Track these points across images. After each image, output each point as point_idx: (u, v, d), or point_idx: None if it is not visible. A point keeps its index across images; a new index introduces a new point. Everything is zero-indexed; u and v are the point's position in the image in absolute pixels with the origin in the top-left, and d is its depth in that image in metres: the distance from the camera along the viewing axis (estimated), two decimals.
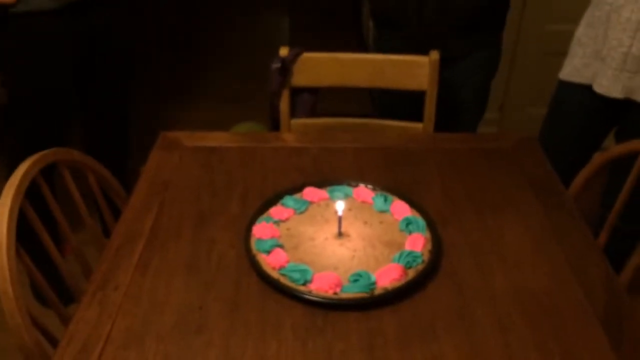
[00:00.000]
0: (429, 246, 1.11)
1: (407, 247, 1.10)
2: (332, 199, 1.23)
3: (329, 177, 1.30)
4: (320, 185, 1.27)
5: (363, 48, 3.45)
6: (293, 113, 1.69)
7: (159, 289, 1.03)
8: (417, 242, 1.10)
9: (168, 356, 0.91)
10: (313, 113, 1.70)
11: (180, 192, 1.28)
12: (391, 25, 1.74)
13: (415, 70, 1.59)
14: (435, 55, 1.57)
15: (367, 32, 3.27)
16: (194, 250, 1.12)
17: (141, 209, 1.22)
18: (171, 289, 1.03)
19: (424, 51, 1.59)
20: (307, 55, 1.63)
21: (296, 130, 1.67)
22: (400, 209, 1.19)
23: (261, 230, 1.13)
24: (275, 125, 1.71)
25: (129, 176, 1.99)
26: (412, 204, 1.21)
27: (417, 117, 1.64)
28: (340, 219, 1.13)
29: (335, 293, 1.00)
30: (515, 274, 1.08)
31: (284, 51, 1.62)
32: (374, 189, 1.25)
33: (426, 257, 1.08)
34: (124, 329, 0.95)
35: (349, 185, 1.27)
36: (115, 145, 2.06)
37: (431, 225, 1.16)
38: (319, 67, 1.64)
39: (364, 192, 1.24)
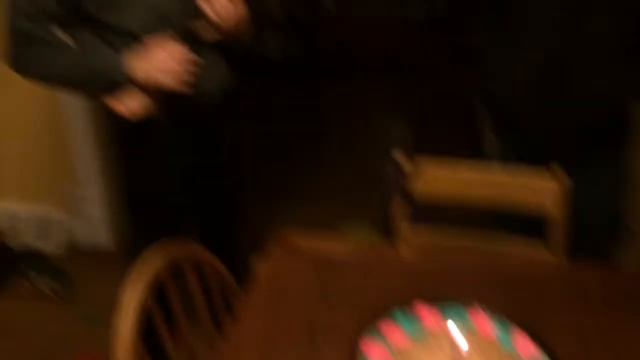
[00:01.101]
0: None
1: None
2: (445, 317, 1.15)
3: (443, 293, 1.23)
4: (429, 299, 1.19)
5: (478, 153, 3.37)
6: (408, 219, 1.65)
7: None
8: None
9: None
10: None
11: (292, 301, 1.27)
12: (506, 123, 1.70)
13: (542, 196, 1.52)
14: (565, 180, 1.50)
15: (484, 136, 3.22)
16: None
17: (255, 315, 1.22)
18: None
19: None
20: (426, 168, 1.60)
21: (409, 239, 1.62)
22: (525, 347, 1.08)
23: (372, 350, 1.07)
24: (387, 230, 1.69)
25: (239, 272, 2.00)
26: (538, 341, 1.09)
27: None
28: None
29: None
30: None
31: (399, 156, 1.60)
32: (489, 312, 1.15)
33: None
34: None
35: (462, 303, 1.18)
36: (224, 242, 2.08)
37: None
38: (437, 183, 1.61)
39: (483, 320, 1.15)
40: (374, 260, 1.41)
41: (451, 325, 1.15)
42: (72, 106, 2.28)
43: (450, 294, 1.23)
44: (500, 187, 1.57)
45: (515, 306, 1.22)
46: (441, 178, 1.62)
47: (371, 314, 1.16)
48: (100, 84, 1.39)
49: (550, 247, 1.53)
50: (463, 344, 1.04)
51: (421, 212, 1.68)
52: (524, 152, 1.68)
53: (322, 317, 1.21)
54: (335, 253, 1.43)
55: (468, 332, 1.13)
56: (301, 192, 3.31)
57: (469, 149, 3.62)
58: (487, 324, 1.14)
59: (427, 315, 1.17)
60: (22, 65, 1.37)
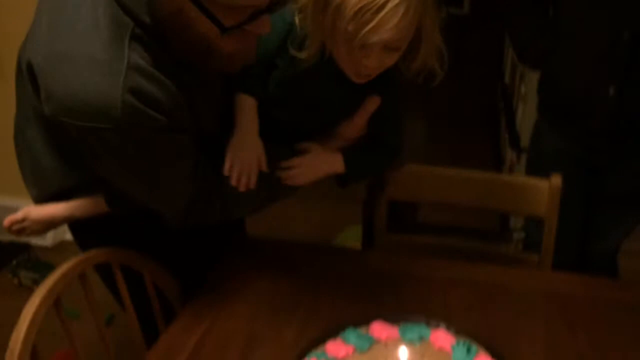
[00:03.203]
0: None
1: None
2: (403, 339, 1.03)
3: (408, 309, 1.11)
4: (393, 319, 1.07)
5: (497, 163, 3.22)
6: (389, 226, 1.53)
7: None
8: None
9: None
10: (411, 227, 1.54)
11: (238, 307, 1.16)
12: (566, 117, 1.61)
13: (530, 195, 1.37)
14: (557, 179, 1.35)
15: (504, 139, 3.07)
16: None
17: (191, 322, 1.12)
18: None
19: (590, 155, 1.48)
20: (408, 167, 1.48)
21: (388, 248, 1.50)
22: None
23: None
24: (369, 239, 1.57)
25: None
26: None
27: None
28: None
29: None
30: None
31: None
32: (456, 334, 1.03)
33: None
34: None
35: (428, 324, 1.06)
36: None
37: None
38: (421, 181, 1.49)
39: (443, 336, 1.02)
40: (342, 271, 1.28)
41: (401, 334, 1.03)
42: None
43: (416, 311, 1.10)
44: (487, 185, 1.43)
45: (486, 321, 1.10)
46: (426, 179, 1.49)
47: (320, 333, 1.05)
48: None
49: (540, 254, 1.39)
50: (404, 356, 0.91)
51: (403, 220, 1.57)
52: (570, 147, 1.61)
53: (266, 331, 1.09)
54: (296, 260, 1.31)
55: (421, 344, 1.01)
56: (304, 191, 3.21)
57: (486, 147, 3.47)
58: (446, 341, 1.01)
59: (383, 333, 1.05)
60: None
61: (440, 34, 1.04)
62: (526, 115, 2.37)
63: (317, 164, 1.15)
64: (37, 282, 2.18)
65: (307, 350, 1.00)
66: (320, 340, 1.03)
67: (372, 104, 1.13)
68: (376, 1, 0.93)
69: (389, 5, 0.94)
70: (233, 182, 1.07)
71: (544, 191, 1.35)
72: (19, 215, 1.18)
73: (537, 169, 1.67)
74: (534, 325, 1.09)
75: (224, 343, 1.06)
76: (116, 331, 1.52)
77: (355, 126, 1.16)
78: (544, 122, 1.72)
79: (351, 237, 2.32)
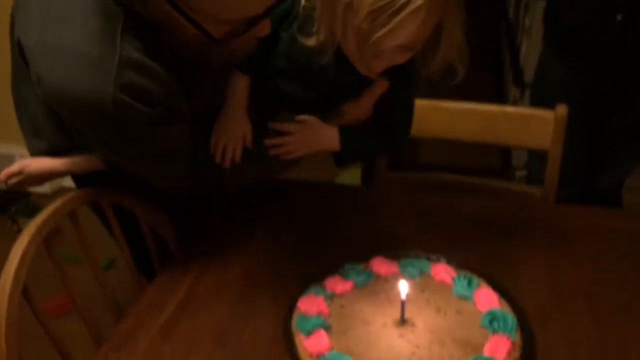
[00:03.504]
0: (516, 354, 0.84)
1: (486, 352, 0.84)
2: (404, 274, 1.01)
3: (408, 245, 1.08)
4: (393, 256, 1.06)
5: (501, 102, 3.16)
6: (389, 165, 1.50)
7: None
8: (501, 347, 0.84)
9: None
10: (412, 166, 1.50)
11: (235, 245, 1.14)
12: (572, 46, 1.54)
13: (535, 127, 1.33)
14: (563, 109, 1.30)
15: (507, 77, 3.01)
16: (228, 319, 0.96)
17: (187, 261, 1.10)
18: None
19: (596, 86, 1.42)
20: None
21: (388, 186, 1.47)
22: (486, 298, 0.94)
23: (308, 304, 0.94)
24: (369, 178, 1.53)
25: None
26: (503, 293, 0.95)
27: None
28: (403, 304, 0.91)
29: None
30: None
31: None
32: (457, 268, 1.01)
33: None
34: None
35: (428, 259, 1.04)
36: None
37: (524, 326, 0.89)
38: (422, 116, 1.43)
39: (444, 270, 1.01)
40: (341, 207, 1.26)
41: (402, 270, 1.02)
42: None
43: (416, 246, 1.08)
44: (489, 117, 1.39)
45: (487, 255, 1.08)
46: (425, 112, 1.44)
47: (319, 269, 1.03)
48: None
49: (543, 186, 1.36)
50: (404, 289, 0.89)
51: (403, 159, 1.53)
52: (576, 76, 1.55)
53: (263, 269, 1.08)
54: (296, 198, 1.28)
55: (422, 278, 1.00)
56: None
57: (490, 87, 3.39)
58: (447, 274, 0.99)
59: (382, 267, 1.03)
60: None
61: (462, 31, 0.93)
62: (530, 50, 2.30)
63: (312, 136, 1.10)
64: None
65: (305, 287, 0.99)
66: (319, 277, 1.01)
67: (380, 87, 1.05)
68: (395, 2, 0.83)
69: (409, 8, 0.83)
70: (217, 157, 1.06)
71: (549, 122, 1.30)
72: (15, 168, 1.15)
73: (541, 102, 1.62)
74: (536, 258, 1.07)
75: (220, 282, 1.04)
76: (117, 275, 1.51)
77: (359, 108, 1.09)
78: (549, 53, 1.66)
79: (351, 177, 2.30)
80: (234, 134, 1.06)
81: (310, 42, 0.98)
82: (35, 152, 1.14)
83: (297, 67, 1.02)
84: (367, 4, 0.83)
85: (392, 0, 0.82)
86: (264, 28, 0.88)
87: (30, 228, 0.90)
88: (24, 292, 0.88)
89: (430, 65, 0.95)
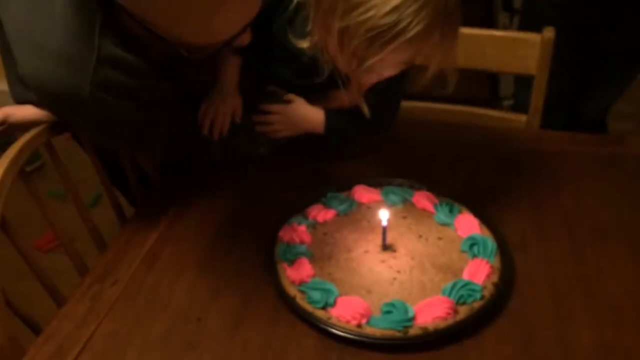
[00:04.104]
0: (495, 278, 0.86)
1: (465, 276, 0.86)
2: (386, 202, 1.01)
3: (391, 174, 1.08)
4: (375, 184, 1.05)
5: (490, 21, 3.08)
6: None
7: (160, 289, 0.89)
8: (480, 271, 0.86)
9: None
10: None
11: (217, 178, 1.12)
12: None
13: (522, 51, 1.30)
14: (549, 32, 1.27)
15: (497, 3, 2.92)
16: (211, 250, 0.96)
17: (169, 192, 1.09)
18: (173, 291, 0.89)
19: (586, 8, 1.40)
20: None
21: None
22: (467, 224, 0.94)
23: (290, 233, 0.94)
24: None
25: None
26: (484, 219, 0.96)
27: None
28: (384, 230, 0.91)
29: (359, 325, 0.80)
30: (609, 332, 0.79)
31: None
32: (439, 195, 1.01)
33: (488, 292, 0.83)
34: (108, 334, 0.82)
35: (411, 187, 1.04)
36: None
37: (504, 250, 0.90)
38: None
39: (426, 197, 1.00)
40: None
41: (384, 197, 1.02)
42: None
43: (399, 174, 1.07)
44: (474, 42, 1.35)
45: (470, 181, 1.08)
46: None
47: (301, 198, 1.02)
48: None
49: (528, 113, 1.35)
50: (385, 216, 0.90)
51: None
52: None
53: (245, 200, 1.07)
54: None
55: (404, 205, 1.00)
56: None
57: (479, 14, 3.30)
58: (429, 201, 0.99)
59: (364, 195, 1.03)
60: None
61: (455, 47, 0.90)
62: None
63: (298, 117, 1.10)
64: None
65: (288, 216, 0.99)
66: (301, 206, 1.01)
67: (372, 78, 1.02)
68: (391, 30, 0.80)
69: (405, 36, 0.80)
70: (205, 129, 1.06)
71: (535, 46, 1.27)
72: None
73: (530, 27, 1.58)
74: (519, 184, 1.07)
75: (202, 214, 1.04)
76: (105, 211, 1.50)
77: (348, 95, 1.06)
78: None
79: None
80: (223, 107, 1.07)
81: (303, 44, 0.96)
82: (19, 100, 1.10)
83: (289, 55, 1.00)
84: (363, 29, 0.81)
85: (389, 28, 0.80)
86: (244, 39, 0.85)
87: (4, 160, 0.88)
88: (3, 226, 0.87)
89: (422, 76, 0.92)
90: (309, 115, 1.11)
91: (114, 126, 0.93)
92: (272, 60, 1.07)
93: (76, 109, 0.87)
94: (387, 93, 1.03)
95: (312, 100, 1.11)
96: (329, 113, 1.10)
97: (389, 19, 0.79)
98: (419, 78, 0.92)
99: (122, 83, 0.87)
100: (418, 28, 0.80)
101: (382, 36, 0.81)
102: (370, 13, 0.79)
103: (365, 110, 1.03)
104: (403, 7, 0.79)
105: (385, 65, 0.88)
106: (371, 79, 0.94)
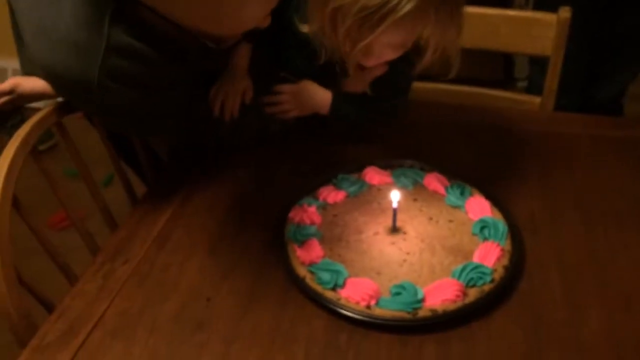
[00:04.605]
0: (505, 261, 0.85)
1: (476, 259, 0.85)
2: (397, 184, 1.01)
3: (402, 156, 1.07)
4: (386, 166, 1.05)
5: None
6: None
7: (171, 269, 0.90)
8: (490, 254, 0.85)
9: (155, 355, 0.78)
10: None
11: (228, 160, 1.12)
12: None
13: (537, 31, 1.28)
14: (566, 12, 1.24)
15: None
16: (221, 230, 0.96)
17: (180, 173, 1.10)
18: (184, 271, 0.89)
19: None
20: None
21: None
22: (478, 207, 0.94)
23: (300, 214, 0.94)
24: None
25: None
26: (496, 201, 0.95)
27: None
28: (395, 212, 0.91)
29: (368, 306, 0.80)
30: (619, 317, 0.79)
31: None
32: (450, 177, 1.00)
33: (498, 275, 0.83)
34: (119, 312, 0.83)
35: (422, 169, 1.03)
36: None
37: (515, 234, 0.90)
38: None
39: (437, 179, 1.00)
40: None
41: (395, 179, 1.01)
42: None
43: (410, 156, 1.06)
44: (489, 22, 1.33)
45: (482, 164, 1.08)
46: None
47: (312, 180, 1.02)
48: None
49: (542, 95, 1.33)
50: (396, 198, 0.89)
51: None
52: None
53: (256, 182, 1.07)
54: None
55: (415, 187, 1.00)
56: None
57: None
58: (440, 183, 0.99)
59: (375, 177, 1.02)
60: None
61: (457, 27, 0.88)
62: None
63: (306, 98, 1.11)
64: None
65: (298, 197, 0.99)
66: (311, 187, 1.01)
67: (379, 69, 1.02)
68: (382, 8, 0.79)
69: (396, 14, 0.79)
70: (215, 110, 1.07)
71: (551, 26, 1.25)
72: (6, 86, 1.12)
73: (546, 6, 1.55)
74: (531, 166, 1.06)
75: (212, 195, 1.04)
76: (119, 190, 1.51)
77: (358, 82, 1.06)
78: None
79: None
80: (233, 89, 1.07)
81: (304, 28, 0.95)
82: (28, 73, 1.11)
83: (300, 42, 0.99)
84: (355, 9, 0.81)
85: (379, 7, 0.79)
86: (265, 21, 0.83)
87: (15, 140, 0.89)
88: (15, 205, 0.88)
89: (423, 59, 0.92)
90: (317, 94, 1.10)
91: (121, 112, 0.93)
92: (285, 48, 1.06)
93: (84, 94, 0.87)
94: (395, 80, 1.03)
95: (324, 86, 1.11)
96: (336, 95, 1.09)
97: None
98: (418, 61, 0.92)
99: (131, 71, 0.87)
100: (408, 7, 0.79)
101: (372, 16, 0.80)
102: None
103: (370, 94, 1.02)
104: None
105: (381, 48, 0.87)
106: (370, 62, 0.93)
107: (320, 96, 1.10)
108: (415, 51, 0.93)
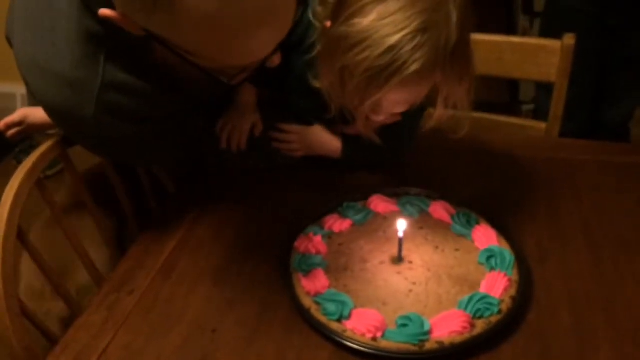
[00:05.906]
0: (512, 291, 0.84)
1: (483, 289, 0.84)
2: (403, 212, 1.00)
3: (407, 183, 1.07)
4: (392, 194, 1.04)
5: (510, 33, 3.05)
6: None
7: (176, 300, 0.89)
8: (497, 284, 0.84)
9: None
10: None
11: (233, 187, 1.13)
12: None
13: (542, 58, 1.28)
14: (570, 39, 1.25)
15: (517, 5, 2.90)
16: (227, 260, 0.96)
17: (185, 201, 1.10)
18: (189, 302, 0.89)
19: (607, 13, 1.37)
20: None
21: None
22: (485, 236, 0.93)
23: (306, 243, 0.94)
24: None
25: None
26: (502, 230, 0.94)
27: None
28: (401, 241, 0.90)
29: (374, 338, 0.79)
30: (629, 348, 0.78)
31: None
32: (456, 206, 1.00)
33: (505, 306, 0.82)
34: (123, 345, 0.82)
35: (428, 197, 1.03)
36: None
37: (522, 263, 0.89)
38: None
39: (443, 207, 0.99)
40: None
41: (401, 208, 1.01)
42: None
43: (416, 184, 1.06)
44: (494, 48, 1.34)
45: (488, 191, 1.07)
46: None
47: (317, 208, 1.02)
48: None
49: (548, 121, 1.33)
50: (402, 227, 0.89)
51: None
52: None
53: (261, 209, 1.07)
54: None
55: (421, 216, 1.00)
56: None
57: (499, 18, 3.28)
58: (446, 212, 0.98)
59: (380, 205, 1.02)
60: None
61: (468, 84, 0.89)
62: None
63: (315, 141, 1.13)
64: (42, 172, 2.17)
65: (304, 226, 0.98)
66: (317, 216, 1.01)
67: (389, 119, 1.00)
68: (390, 67, 0.79)
69: (403, 73, 0.79)
70: (222, 142, 1.09)
71: (556, 52, 1.26)
72: (16, 117, 1.13)
73: (551, 31, 1.56)
74: (538, 194, 1.05)
75: (218, 224, 1.04)
76: None
77: (365, 126, 1.05)
78: None
79: None
80: (243, 120, 1.10)
81: (317, 84, 0.95)
82: (33, 102, 1.12)
83: (309, 88, 0.99)
84: (361, 69, 0.81)
85: (385, 67, 0.79)
86: (275, 60, 0.82)
87: (21, 171, 0.89)
88: (19, 236, 0.88)
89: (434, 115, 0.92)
90: (326, 141, 1.13)
91: (118, 145, 0.94)
92: (290, 93, 1.07)
93: (79, 127, 0.88)
94: (403, 127, 1.03)
95: (330, 127, 1.12)
96: (346, 143, 1.11)
97: (383, 60, 0.79)
98: (427, 120, 0.92)
99: (127, 106, 0.87)
100: (414, 67, 0.79)
101: (379, 76, 0.80)
102: (366, 53, 0.79)
103: (377, 140, 1.02)
104: (398, 47, 0.78)
105: (389, 104, 0.87)
106: (379, 117, 0.93)
107: (329, 141, 1.12)
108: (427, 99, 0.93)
